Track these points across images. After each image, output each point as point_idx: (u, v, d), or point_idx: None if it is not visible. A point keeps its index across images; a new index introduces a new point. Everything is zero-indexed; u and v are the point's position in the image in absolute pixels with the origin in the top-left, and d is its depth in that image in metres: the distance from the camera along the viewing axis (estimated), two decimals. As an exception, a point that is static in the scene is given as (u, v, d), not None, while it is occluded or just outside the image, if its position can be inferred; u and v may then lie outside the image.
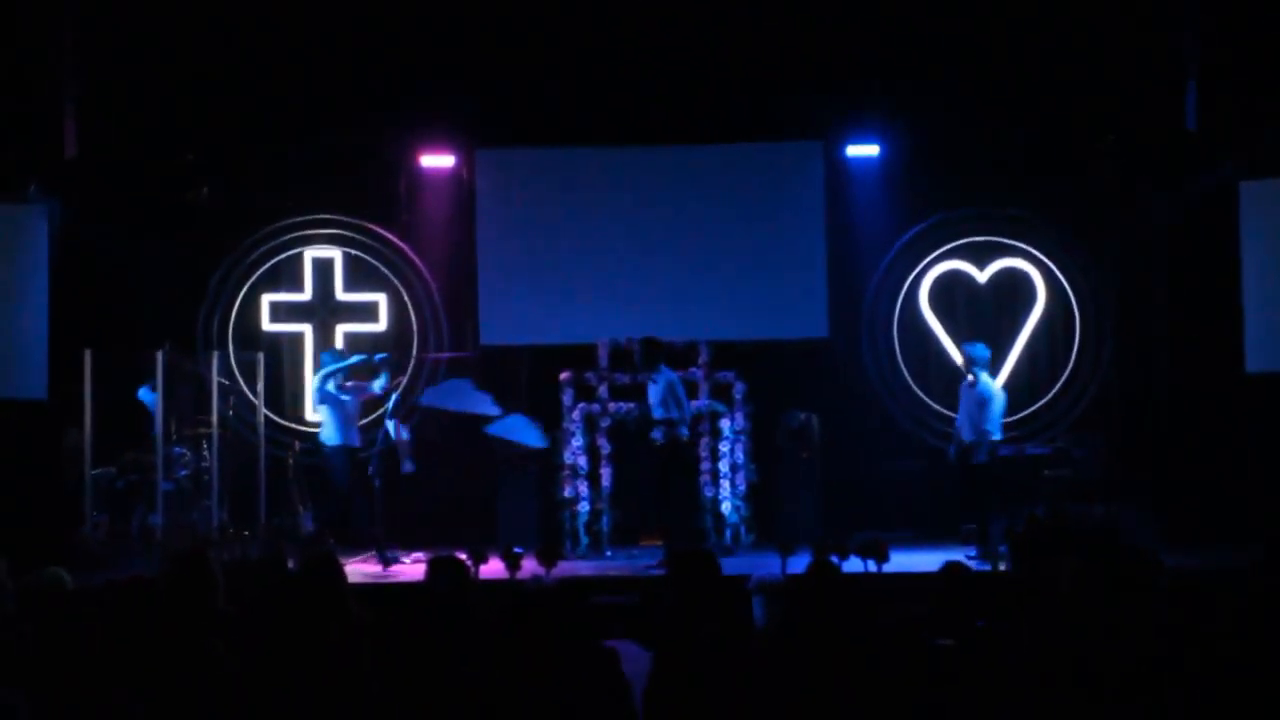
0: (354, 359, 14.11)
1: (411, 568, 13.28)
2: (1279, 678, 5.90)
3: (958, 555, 9.30)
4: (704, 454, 15.13)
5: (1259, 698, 5.84)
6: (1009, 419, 15.75)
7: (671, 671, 6.43)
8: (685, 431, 13.57)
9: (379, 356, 14.16)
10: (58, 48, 14.21)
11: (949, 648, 6.35)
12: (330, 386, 13.74)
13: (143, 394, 14.42)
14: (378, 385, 13.99)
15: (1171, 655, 5.96)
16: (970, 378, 13.64)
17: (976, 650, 6.34)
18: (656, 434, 13.54)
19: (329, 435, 13.79)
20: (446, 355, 15.61)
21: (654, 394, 13.55)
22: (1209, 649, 6.00)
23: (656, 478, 13.61)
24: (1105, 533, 11.63)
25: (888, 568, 10.93)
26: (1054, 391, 15.97)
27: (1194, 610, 6.26)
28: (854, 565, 10.74)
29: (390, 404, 14.00)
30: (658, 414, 13.46)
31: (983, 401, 13.48)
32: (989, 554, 12.90)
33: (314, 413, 14.08)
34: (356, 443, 13.94)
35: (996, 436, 13.52)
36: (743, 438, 15.09)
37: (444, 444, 14.57)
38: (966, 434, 13.60)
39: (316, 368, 14.31)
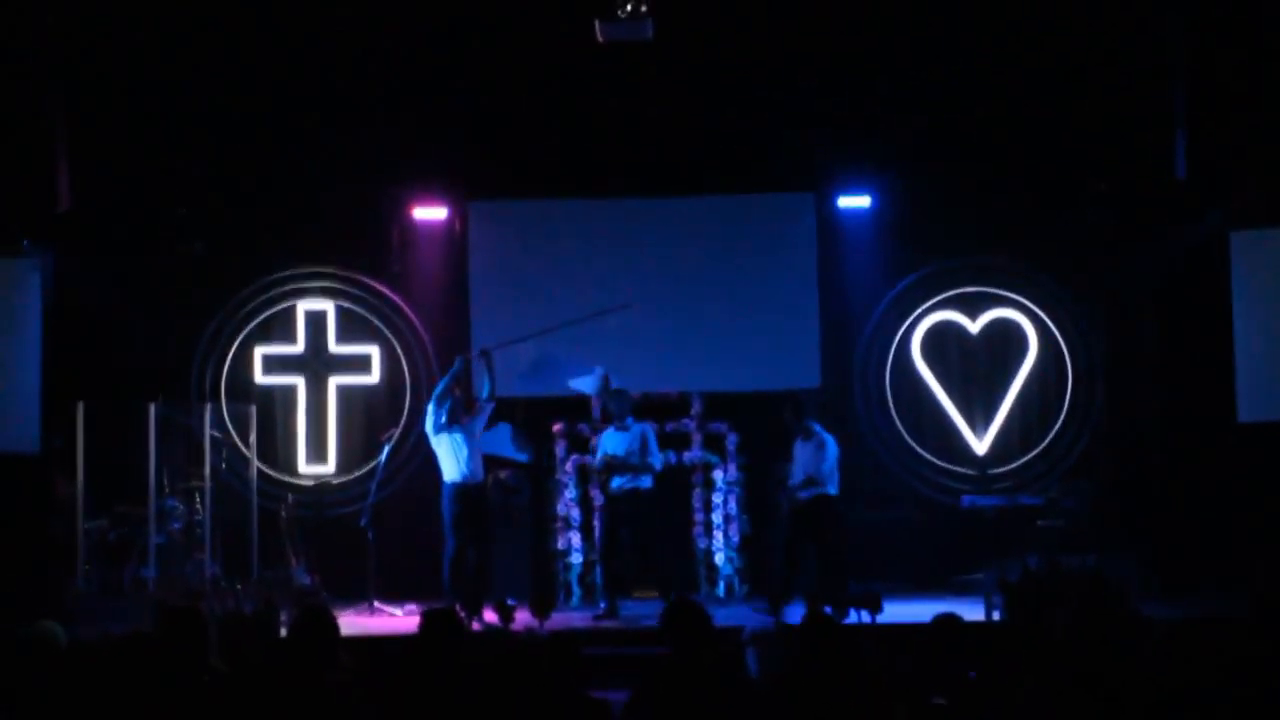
0: (451, 372, 13.95)
1: (405, 620, 13.27)
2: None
3: (952, 606, 9.28)
4: (697, 505, 15.15)
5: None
6: (1003, 469, 15.80)
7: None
8: (649, 482, 13.60)
9: (468, 357, 14.15)
10: (51, 101, 14.23)
11: (943, 706, 6.34)
12: (444, 419, 13.53)
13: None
14: (483, 400, 13.78)
15: (1161, 706, 5.95)
16: (806, 430, 13.58)
17: (968, 703, 6.33)
18: (615, 483, 13.60)
19: (444, 473, 13.60)
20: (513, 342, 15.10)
21: (623, 442, 13.62)
22: (1199, 700, 6.00)
23: (609, 527, 13.86)
24: (1095, 584, 11.61)
25: (881, 619, 10.93)
26: (1046, 442, 15.95)
27: (1184, 660, 6.25)
28: (848, 616, 10.76)
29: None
30: (634, 460, 13.55)
31: (822, 446, 13.46)
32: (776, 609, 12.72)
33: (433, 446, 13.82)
34: (479, 477, 13.65)
35: (834, 491, 13.47)
36: (735, 489, 15.12)
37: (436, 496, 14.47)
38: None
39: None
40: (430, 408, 13.70)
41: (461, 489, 13.45)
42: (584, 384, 14.64)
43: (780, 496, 13.90)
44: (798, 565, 13.35)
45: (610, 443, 13.82)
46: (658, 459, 13.71)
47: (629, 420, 13.76)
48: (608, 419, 14.40)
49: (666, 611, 7.05)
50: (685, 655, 6.76)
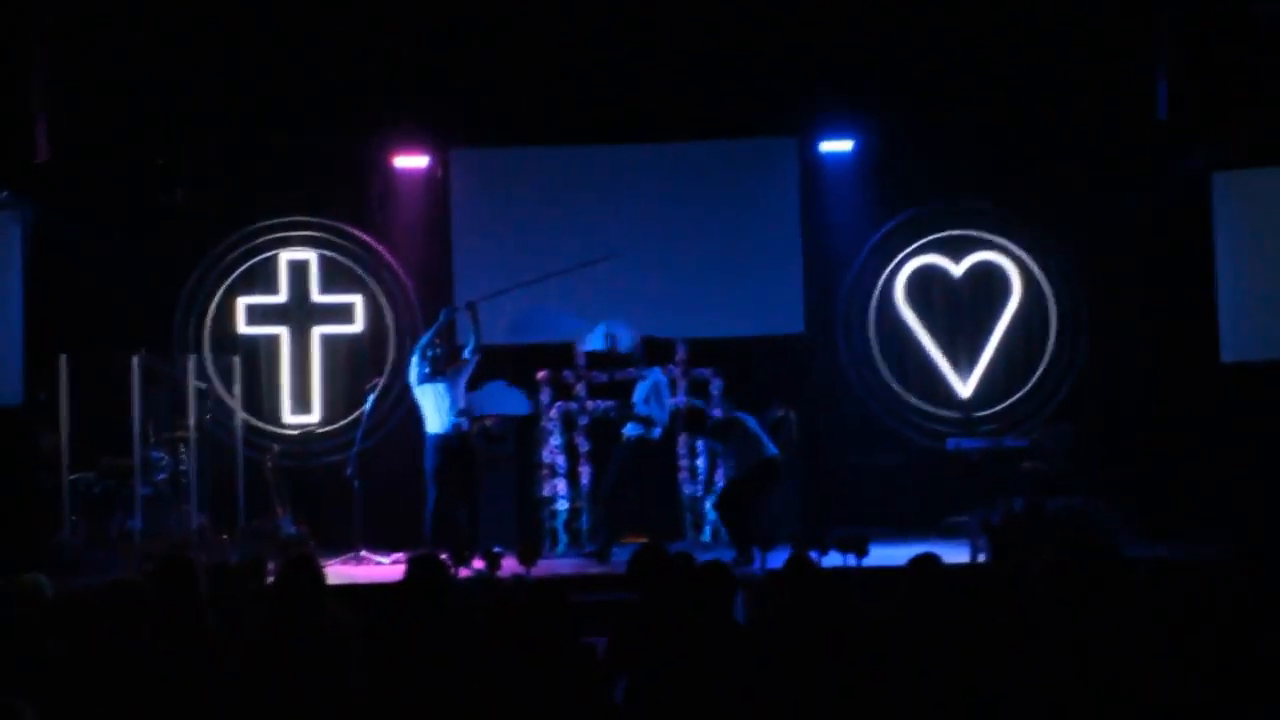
0: (436, 324, 13.92)
1: (391, 568, 13.29)
2: (1252, 667, 5.93)
3: (938, 548, 9.31)
4: (682, 451, 15.17)
5: (1232, 687, 5.87)
6: (987, 412, 15.86)
7: (652, 667, 6.46)
8: (658, 433, 13.67)
9: (454, 309, 14.12)
10: (28, 51, 14.14)
11: (924, 643, 6.37)
12: (427, 370, 13.56)
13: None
14: (467, 353, 13.73)
15: (1142, 646, 5.98)
16: (719, 432, 13.79)
17: (952, 644, 6.36)
18: (630, 429, 13.65)
19: (427, 424, 13.66)
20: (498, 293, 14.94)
21: (639, 391, 13.68)
22: (1183, 639, 6.03)
23: (621, 472, 13.76)
24: (1077, 525, 11.65)
25: (867, 562, 10.97)
26: (1030, 384, 15.99)
27: (1169, 601, 6.28)
28: (833, 560, 10.79)
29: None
30: (640, 411, 13.61)
31: (744, 427, 13.56)
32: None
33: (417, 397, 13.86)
34: (464, 428, 13.68)
35: (775, 450, 13.61)
36: (721, 434, 15.10)
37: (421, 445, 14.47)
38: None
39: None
40: (414, 359, 13.71)
41: (445, 440, 13.47)
42: (595, 342, 14.70)
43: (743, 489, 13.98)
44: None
45: (635, 390, 13.93)
46: (657, 410, 13.73)
47: (652, 369, 13.92)
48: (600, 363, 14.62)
49: (633, 558, 7.12)
50: (654, 601, 6.80)
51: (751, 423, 13.54)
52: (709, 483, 15.00)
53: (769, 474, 13.40)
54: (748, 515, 13.33)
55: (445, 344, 13.99)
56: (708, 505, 15.05)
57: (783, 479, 13.60)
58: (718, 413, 14.78)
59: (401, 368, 14.78)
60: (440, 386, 13.50)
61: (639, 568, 7.05)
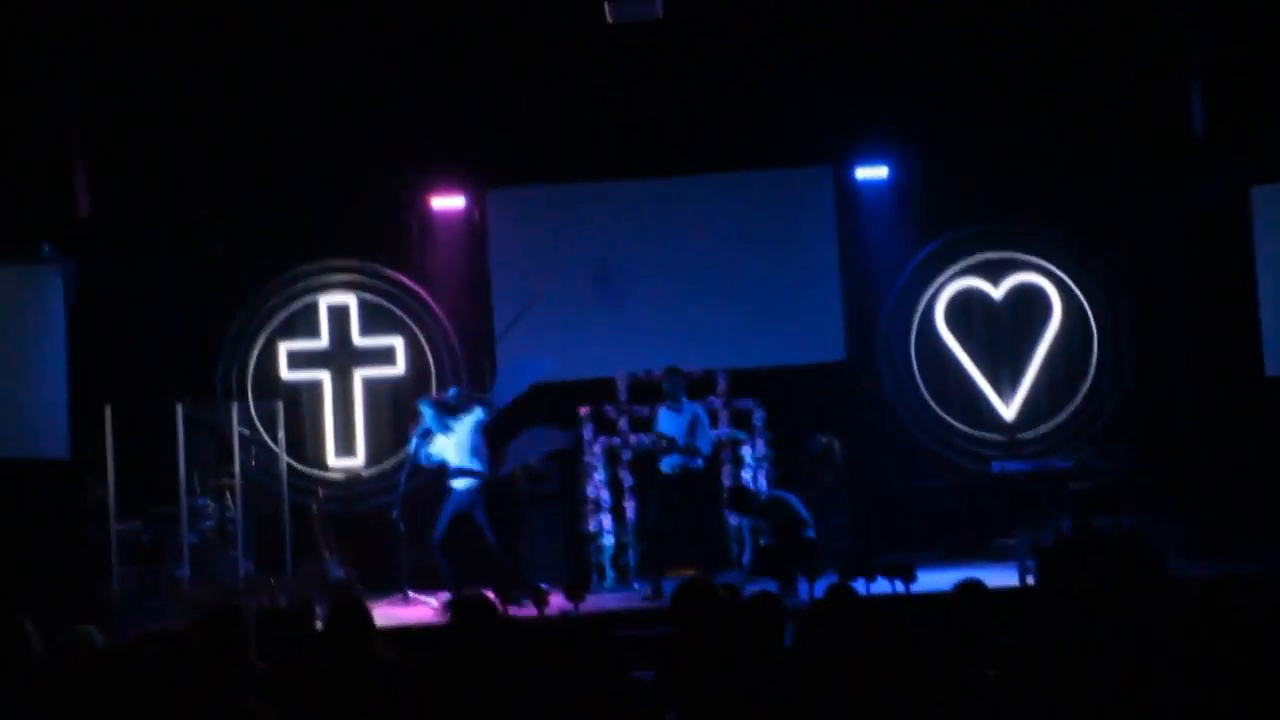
0: (423, 424, 13.83)
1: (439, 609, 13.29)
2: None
3: (987, 572, 9.27)
4: (727, 482, 15.10)
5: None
6: (1032, 433, 15.78)
7: (701, 701, 6.45)
8: (700, 463, 13.62)
9: (432, 399, 14.07)
10: (65, 106, 14.26)
11: (980, 675, 6.33)
12: (429, 446, 13.62)
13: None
14: (479, 410, 13.70)
15: (1195, 665, 5.94)
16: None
17: (1002, 669, 6.32)
18: (667, 463, 13.60)
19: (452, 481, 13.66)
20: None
21: (678, 423, 13.62)
22: (1235, 657, 5.98)
23: (664, 505, 13.72)
24: (1126, 545, 11.58)
25: (915, 588, 10.94)
26: (1074, 404, 15.92)
27: (1220, 618, 6.24)
28: (881, 587, 10.77)
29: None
30: (681, 444, 13.57)
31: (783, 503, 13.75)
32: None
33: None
34: (489, 475, 13.65)
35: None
36: (765, 465, 15.06)
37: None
38: None
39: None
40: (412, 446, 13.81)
41: (462, 496, 13.47)
42: None
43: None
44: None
45: (664, 422, 13.87)
46: (705, 442, 13.70)
47: (683, 400, 13.79)
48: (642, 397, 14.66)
49: (677, 593, 7.12)
50: (699, 634, 6.79)
51: (796, 503, 13.54)
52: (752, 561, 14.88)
53: (806, 555, 13.36)
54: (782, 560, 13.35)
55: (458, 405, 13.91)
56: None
57: (820, 560, 13.51)
58: (763, 486, 14.78)
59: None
60: (449, 444, 13.52)
61: (683, 602, 7.04)
